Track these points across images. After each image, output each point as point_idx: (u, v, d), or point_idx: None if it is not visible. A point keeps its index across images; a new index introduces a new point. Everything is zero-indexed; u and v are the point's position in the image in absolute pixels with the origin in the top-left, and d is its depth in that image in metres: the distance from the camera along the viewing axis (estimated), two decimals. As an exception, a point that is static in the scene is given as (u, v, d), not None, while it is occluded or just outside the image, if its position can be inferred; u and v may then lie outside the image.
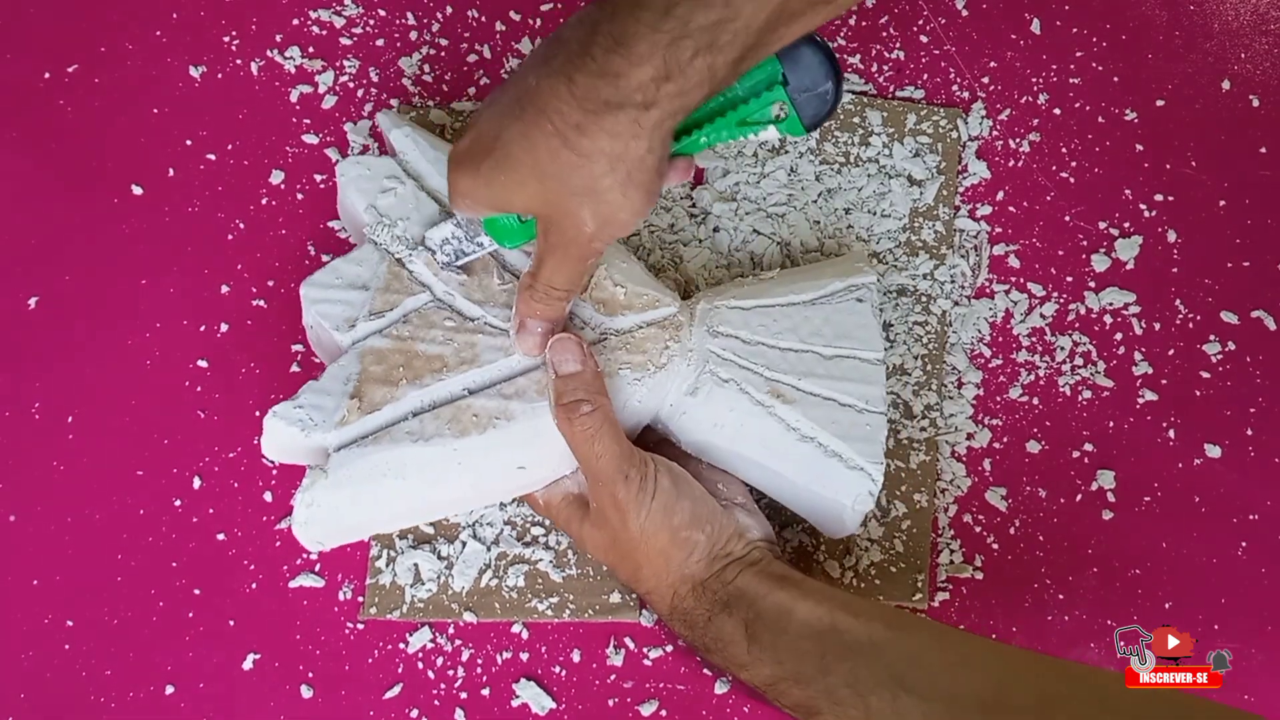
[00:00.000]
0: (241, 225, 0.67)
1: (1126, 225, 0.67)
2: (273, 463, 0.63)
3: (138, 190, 0.68)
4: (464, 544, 0.61)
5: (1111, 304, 0.65)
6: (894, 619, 0.51)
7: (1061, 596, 0.61)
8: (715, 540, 0.54)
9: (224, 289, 0.66)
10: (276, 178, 0.68)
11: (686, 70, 0.43)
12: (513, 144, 0.46)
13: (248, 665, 0.60)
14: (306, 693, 0.59)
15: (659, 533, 0.53)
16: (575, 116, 0.44)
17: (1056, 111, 0.69)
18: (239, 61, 0.71)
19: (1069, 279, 0.66)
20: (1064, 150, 0.68)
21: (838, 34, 0.71)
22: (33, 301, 0.66)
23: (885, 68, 0.70)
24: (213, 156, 0.69)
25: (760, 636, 0.51)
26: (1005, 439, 0.63)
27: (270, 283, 0.66)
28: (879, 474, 0.56)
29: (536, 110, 0.45)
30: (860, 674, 0.48)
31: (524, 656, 0.60)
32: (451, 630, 0.60)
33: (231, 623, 0.61)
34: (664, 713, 0.59)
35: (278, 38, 0.71)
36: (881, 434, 0.57)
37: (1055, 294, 0.66)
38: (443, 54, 0.71)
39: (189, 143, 0.69)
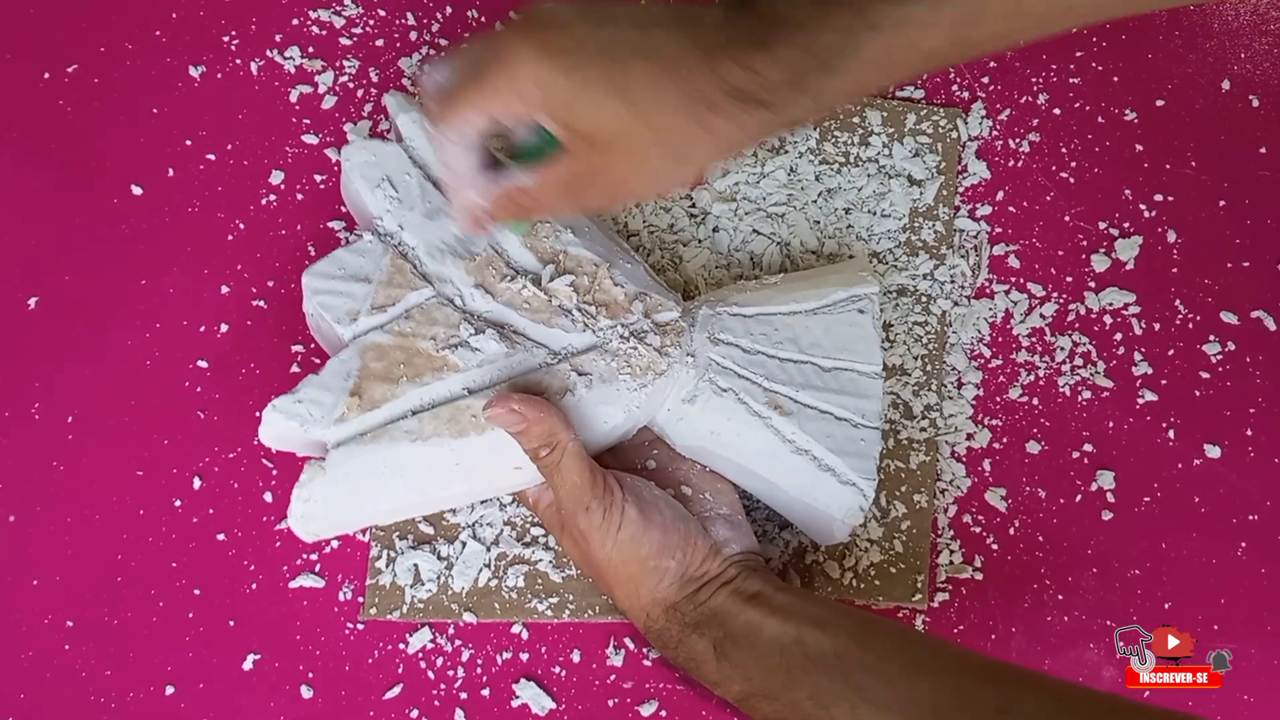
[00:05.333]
0: (241, 225, 0.67)
1: (1126, 225, 0.67)
2: (272, 463, 0.63)
3: (137, 190, 0.68)
4: (464, 544, 0.61)
5: (1111, 304, 0.65)
6: (861, 631, 0.51)
7: (1061, 597, 0.61)
8: (688, 564, 0.54)
9: (224, 289, 0.66)
10: (276, 178, 0.68)
11: (804, 82, 0.47)
12: (633, 77, 0.46)
13: (248, 665, 0.60)
14: (306, 693, 0.59)
15: (626, 562, 0.54)
16: (711, 94, 0.46)
17: (1056, 111, 0.69)
18: (239, 61, 0.71)
19: (1069, 279, 0.66)
20: (1064, 150, 0.68)
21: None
22: (33, 301, 0.66)
23: (885, 68, 0.70)
24: (212, 156, 0.69)
25: (729, 654, 0.52)
26: (1005, 439, 0.63)
27: (270, 283, 0.66)
28: (871, 490, 0.57)
29: (672, 69, 0.46)
30: (823, 687, 0.49)
31: (524, 657, 0.60)
32: (451, 630, 0.60)
33: (231, 623, 0.61)
34: (664, 713, 0.59)
35: (277, 38, 0.71)
36: (876, 449, 0.57)
37: (1055, 294, 0.66)
38: (442, 54, 0.71)
39: (189, 143, 0.69)
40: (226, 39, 0.71)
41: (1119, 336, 0.65)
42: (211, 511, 0.62)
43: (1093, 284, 0.66)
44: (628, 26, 0.47)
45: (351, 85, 0.70)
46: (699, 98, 0.46)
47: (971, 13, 0.47)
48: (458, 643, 0.60)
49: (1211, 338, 0.65)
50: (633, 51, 0.46)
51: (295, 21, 0.71)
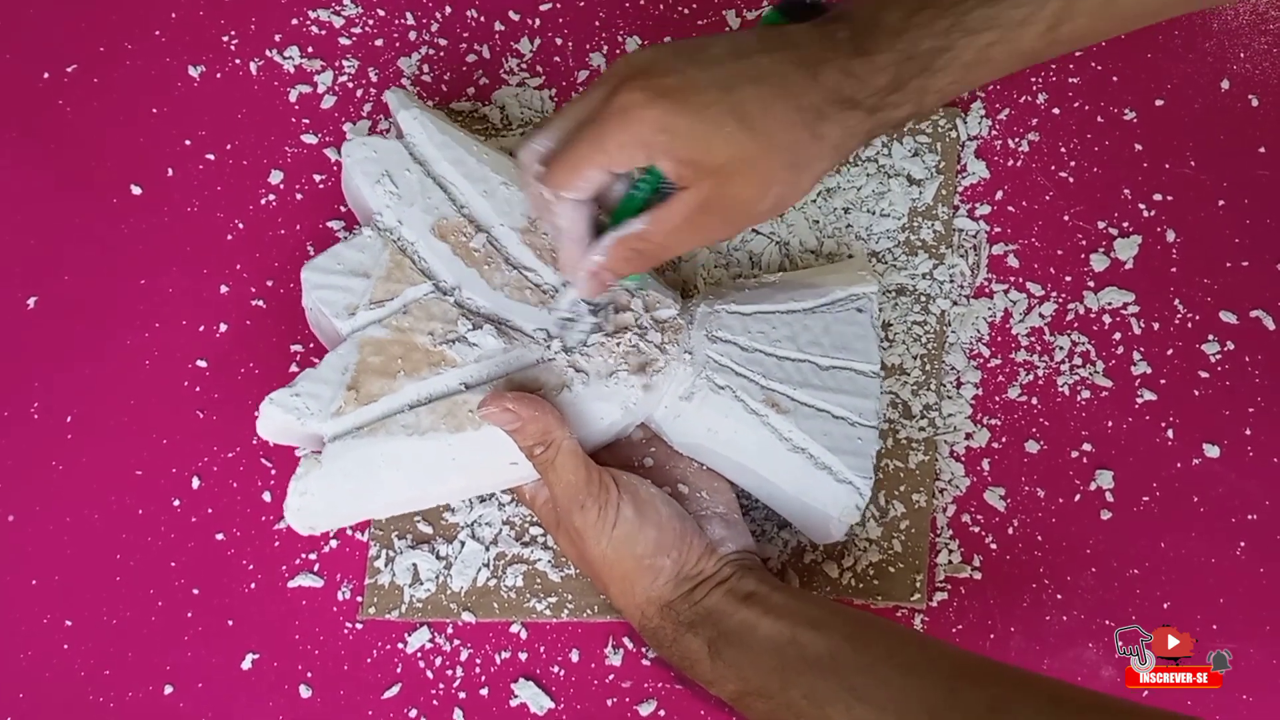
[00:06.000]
0: (241, 225, 0.68)
1: (1126, 225, 0.67)
2: (270, 463, 0.63)
3: (137, 190, 0.68)
4: (462, 544, 0.61)
5: (1110, 304, 0.65)
6: (855, 631, 0.51)
7: (1060, 596, 0.61)
8: (683, 563, 0.54)
9: (223, 289, 0.66)
10: (276, 178, 0.68)
11: (906, 87, 0.49)
12: (748, 101, 0.48)
13: (247, 665, 0.60)
14: (305, 693, 0.59)
15: (622, 560, 0.54)
16: (819, 104, 0.49)
17: (1055, 111, 0.69)
18: (238, 61, 0.71)
19: (1068, 279, 0.66)
20: (1063, 150, 0.68)
21: (837, 34, 0.71)
22: (32, 301, 0.66)
23: (884, 67, 0.70)
24: (212, 156, 0.69)
25: (724, 653, 0.52)
26: (1004, 439, 0.63)
27: (270, 283, 0.66)
28: (867, 489, 0.57)
29: (781, 89, 0.48)
30: (818, 687, 0.49)
31: (523, 656, 0.60)
32: (450, 630, 0.60)
33: (230, 623, 0.61)
34: (662, 713, 0.59)
35: (277, 38, 0.71)
36: (873, 448, 0.57)
37: (1054, 294, 0.66)
38: (442, 54, 0.71)
39: (188, 143, 0.69)
40: (226, 39, 0.71)
41: (1118, 336, 0.65)
42: (210, 511, 0.62)
43: (1092, 284, 0.66)
44: (729, 58, 0.49)
45: (351, 85, 0.70)
46: (809, 109, 0.48)
47: (1065, 11, 0.49)
48: (456, 642, 0.60)
49: (1211, 337, 0.65)
50: (742, 80, 0.48)
51: (295, 21, 0.72)
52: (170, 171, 0.68)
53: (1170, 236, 0.66)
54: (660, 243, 0.51)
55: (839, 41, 0.49)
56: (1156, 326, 0.65)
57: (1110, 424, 0.63)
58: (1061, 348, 0.65)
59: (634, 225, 0.51)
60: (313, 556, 0.62)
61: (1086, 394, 0.64)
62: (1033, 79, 0.70)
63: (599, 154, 0.49)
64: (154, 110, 0.70)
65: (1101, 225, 0.67)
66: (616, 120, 0.48)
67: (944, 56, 0.49)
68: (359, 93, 0.70)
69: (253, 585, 0.61)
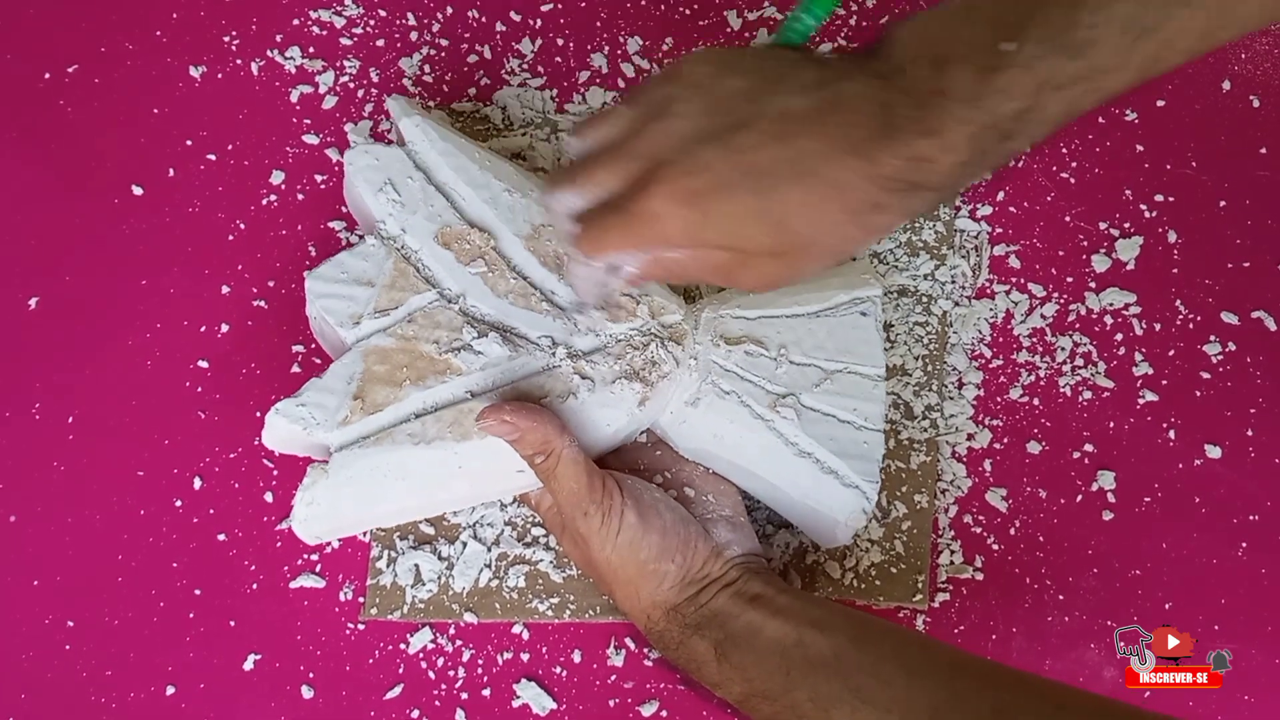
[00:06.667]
0: (242, 225, 0.67)
1: (1127, 225, 0.67)
2: (273, 464, 0.63)
3: (138, 190, 0.68)
4: (464, 544, 0.61)
5: (1112, 304, 0.65)
6: (860, 633, 0.51)
7: (1061, 597, 0.61)
8: (688, 567, 0.54)
9: (224, 289, 0.66)
10: (277, 178, 0.68)
11: (987, 155, 0.44)
12: (788, 204, 0.45)
13: (248, 666, 0.60)
14: (307, 693, 0.59)
15: (626, 565, 0.54)
16: (875, 196, 0.44)
17: (1057, 112, 0.69)
18: (239, 61, 0.71)
19: (1069, 279, 0.66)
20: (1064, 150, 0.68)
21: (838, 34, 0.71)
22: (33, 301, 0.66)
23: (886, 68, 0.70)
24: (213, 156, 0.69)
25: (729, 655, 0.52)
26: (1005, 439, 0.63)
27: (270, 283, 0.66)
28: (873, 492, 0.57)
29: (831, 189, 0.44)
30: (822, 688, 0.50)
31: (525, 657, 0.60)
32: (452, 631, 0.60)
33: (232, 623, 0.61)
34: (664, 713, 0.59)
35: (278, 38, 0.71)
36: (878, 452, 0.57)
37: (1056, 294, 0.66)
38: (443, 54, 0.71)
39: (189, 143, 0.69)
40: (227, 39, 0.71)
41: (1120, 337, 0.65)
42: (212, 512, 0.62)
43: (1093, 284, 0.66)
44: (770, 141, 0.44)
45: (352, 85, 0.70)
46: (862, 205, 0.44)
47: (1158, 54, 0.43)
48: (458, 643, 0.60)
49: (1212, 338, 0.65)
50: (782, 177, 0.44)
51: (296, 21, 0.71)
52: (171, 172, 0.68)
53: (1172, 237, 0.66)
54: (690, 271, 0.49)
55: (898, 114, 0.43)
56: (1158, 327, 0.65)
57: (1112, 425, 0.63)
58: (1063, 348, 0.65)
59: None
60: (314, 557, 0.62)
61: (1088, 394, 0.64)
62: (1034, 80, 0.70)
63: (626, 243, 0.47)
64: (155, 110, 0.70)
65: (1103, 226, 0.67)
66: (645, 221, 0.46)
67: (1027, 119, 0.43)
68: (360, 93, 0.70)
69: (254, 586, 0.61)
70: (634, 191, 0.46)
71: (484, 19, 0.72)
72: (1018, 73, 0.42)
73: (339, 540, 0.62)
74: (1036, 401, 0.64)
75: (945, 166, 0.44)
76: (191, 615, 0.61)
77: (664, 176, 0.45)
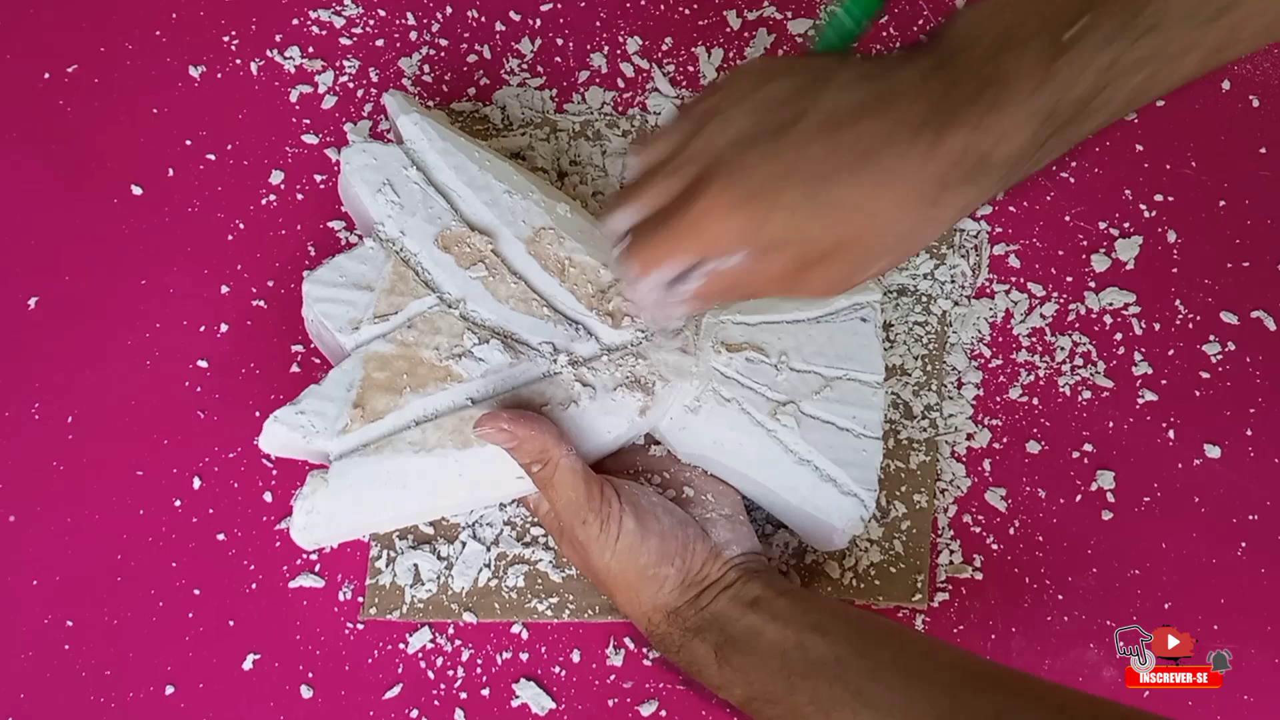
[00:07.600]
0: (241, 225, 0.67)
1: (1126, 225, 0.67)
2: (272, 463, 0.63)
3: (137, 190, 0.68)
4: (464, 544, 0.61)
5: (1111, 304, 0.65)
6: (860, 635, 0.51)
7: (1061, 597, 0.61)
8: (688, 570, 0.54)
9: (224, 289, 0.66)
10: (276, 178, 0.68)
11: (1049, 143, 0.43)
12: (846, 195, 0.43)
13: (247, 665, 0.60)
14: (306, 693, 0.59)
15: (626, 570, 0.54)
16: (934, 184, 0.43)
17: (1056, 111, 0.69)
18: (239, 61, 0.71)
19: (1069, 279, 0.66)
20: (1064, 150, 0.68)
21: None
22: (33, 301, 0.66)
23: (885, 68, 0.70)
24: (212, 156, 0.69)
25: (731, 659, 0.52)
26: (1005, 439, 0.63)
27: (270, 283, 0.66)
28: (871, 500, 0.57)
29: (887, 170, 0.43)
30: (823, 691, 0.49)
31: (524, 657, 0.60)
32: (451, 630, 0.60)
33: (231, 623, 0.61)
34: (664, 713, 0.59)
35: (277, 38, 0.71)
36: (876, 459, 0.57)
37: (1055, 294, 0.66)
38: (443, 54, 0.71)
39: (189, 143, 0.69)
40: (226, 39, 0.71)
41: (1119, 336, 0.65)
42: (211, 511, 0.62)
43: (1093, 284, 0.66)
44: (824, 131, 0.43)
45: (351, 85, 0.70)
46: (926, 189, 0.43)
47: (1229, 36, 0.42)
48: (458, 643, 0.60)
49: (1211, 338, 0.65)
50: (840, 167, 0.43)
51: (295, 21, 0.72)
52: (171, 171, 0.68)
53: (1171, 237, 0.66)
54: (751, 285, 0.47)
55: (962, 101, 0.42)
56: (1157, 327, 0.65)
57: (1111, 424, 0.63)
58: (1062, 348, 0.65)
59: (728, 260, 0.46)
60: (314, 557, 0.62)
61: (1087, 394, 0.64)
62: (1033, 79, 0.70)
63: (676, 252, 0.45)
64: (154, 110, 0.70)
65: (1102, 225, 0.67)
66: (695, 227, 0.45)
67: (1095, 106, 0.42)
68: (360, 93, 0.70)
69: (254, 585, 0.61)
70: (682, 199, 0.45)
71: (483, 19, 0.72)
72: (1081, 57, 0.41)
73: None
74: (1036, 401, 0.64)
75: (1005, 154, 0.42)
76: (191, 615, 0.61)
77: (713, 180, 0.44)
